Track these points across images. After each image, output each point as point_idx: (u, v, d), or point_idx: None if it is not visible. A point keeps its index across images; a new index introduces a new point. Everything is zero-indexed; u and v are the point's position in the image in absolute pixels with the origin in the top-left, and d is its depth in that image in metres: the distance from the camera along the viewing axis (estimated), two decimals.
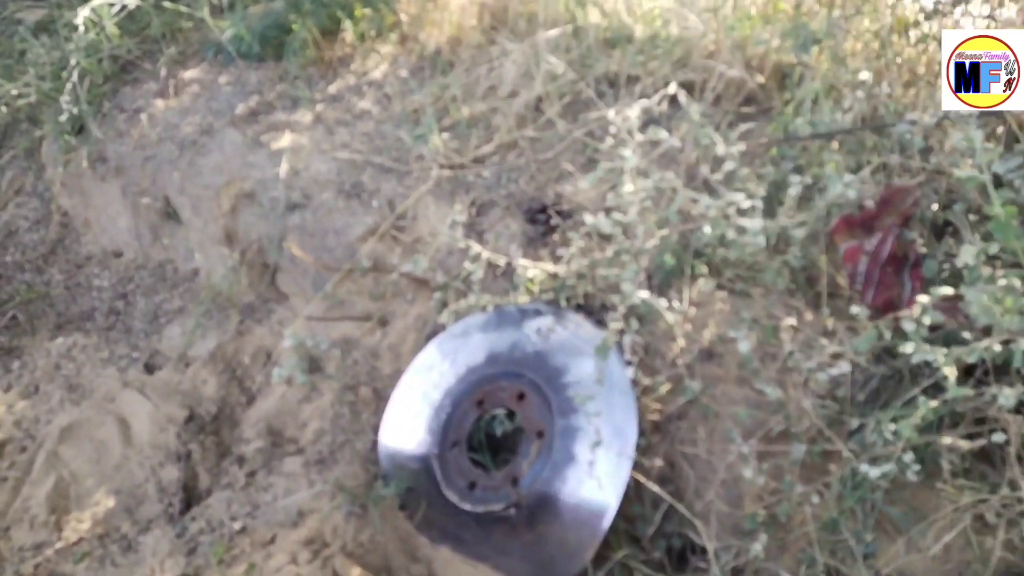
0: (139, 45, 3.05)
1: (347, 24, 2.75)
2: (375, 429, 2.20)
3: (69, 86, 2.73)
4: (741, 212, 1.76)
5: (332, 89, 2.73)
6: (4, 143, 3.21)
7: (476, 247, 2.03)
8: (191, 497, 2.27)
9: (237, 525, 2.09)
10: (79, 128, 2.87)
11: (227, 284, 2.60)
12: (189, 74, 2.93)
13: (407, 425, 2.12)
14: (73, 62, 2.74)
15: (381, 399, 2.25)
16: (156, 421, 2.41)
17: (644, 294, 1.70)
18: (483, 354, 2.08)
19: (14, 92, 2.86)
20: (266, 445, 2.30)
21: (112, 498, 2.26)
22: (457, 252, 2.19)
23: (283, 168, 2.49)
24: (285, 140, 2.59)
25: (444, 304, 2.22)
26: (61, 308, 2.80)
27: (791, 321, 1.83)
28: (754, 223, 1.68)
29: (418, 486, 2.03)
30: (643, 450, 1.81)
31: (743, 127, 2.03)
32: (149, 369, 2.60)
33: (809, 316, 1.91)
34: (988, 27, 1.99)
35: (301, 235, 2.42)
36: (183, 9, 2.99)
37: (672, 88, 1.99)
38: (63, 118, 2.78)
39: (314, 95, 2.72)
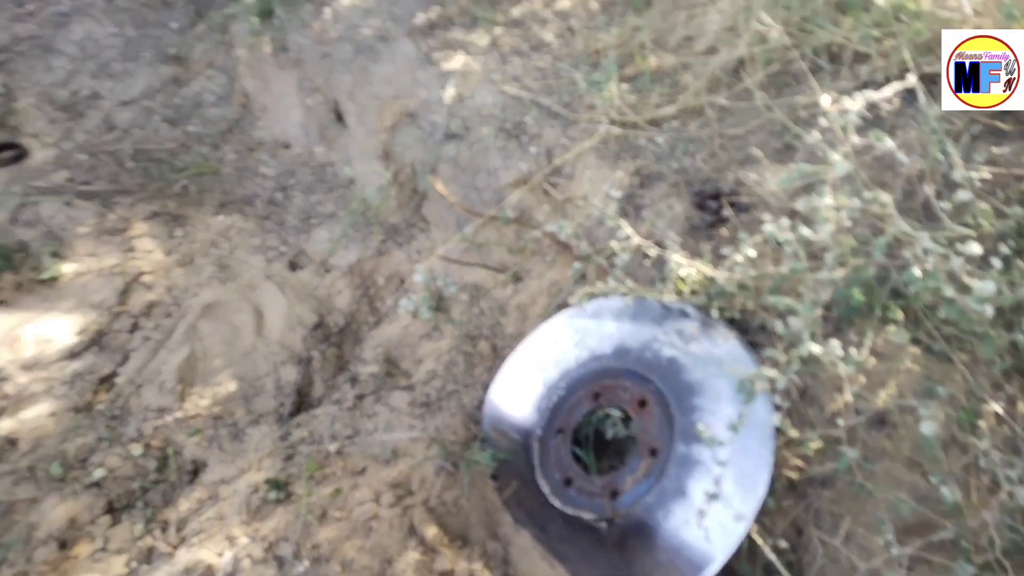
0: None
1: None
2: (485, 387, 2.00)
3: None
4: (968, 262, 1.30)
5: (516, 12, 2.39)
6: (201, 15, 3.16)
7: (628, 229, 1.70)
8: (302, 403, 2.21)
9: (334, 446, 1.99)
10: (268, 12, 2.73)
11: (377, 201, 2.43)
12: None
13: (517, 394, 1.90)
14: None
15: (498, 357, 2.04)
16: (288, 319, 2.35)
17: (815, 347, 1.30)
18: (612, 344, 1.79)
19: None
20: (380, 372, 2.18)
21: (234, 383, 2.24)
22: (607, 223, 1.86)
23: (449, 92, 2.23)
24: (457, 62, 2.31)
25: (583, 276, 1.93)
26: (228, 187, 2.78)
27: (996, 408, 1.37)
28: (984, 285, 1.22)
29: (514, 461, 1.83)
30: (769, 509, 1.47)
31: (993, 149, 1.51)
32: (292, 266, 2.53)
33: (1023, 407, 1.44)
34: None
35: (453, 168, 2.18)
36: None
37: (911, 80, 1.49)
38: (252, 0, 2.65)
39: (496, 16, 2.39)
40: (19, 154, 2.89)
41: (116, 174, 2.83)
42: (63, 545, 1.87)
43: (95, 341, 2.30)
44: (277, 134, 2.86)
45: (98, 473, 2.00)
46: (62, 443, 2.05)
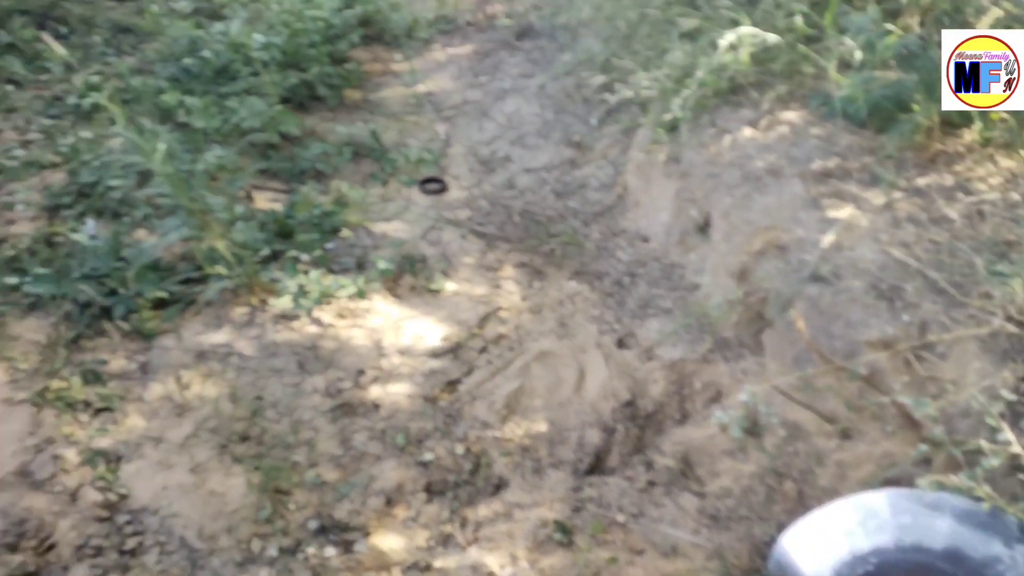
0: (757, 74, 3.07)
1: (976, 125, 2.31)
2: (779, 528, 1.95)
3: (686, 93, 2.91)
4: None
5: (921, 182, 2.37)
6: (613, 116, 3.65)
7: (1009, 434, 1.57)
8: (597, 466, 2.38)
9: (621, 517, 2.11)
10: (674, 127, 3.07)
11: (718, 313, 2.55)
12: (786, 115, 2.86)
13: (816, 550, 1.82)
14: (699, 74, 2.90)
15: (802, 505, 1.99)
16: (604, 389, 2.56)
17: None
18: (944, 543, 1.64)
19: (645, 82, 3.18)
20: (675, 468, 2.26)
21: (546, 425, 2.50)
22: (974, 418, 1.74)
23: (828, 238, 2.28)
24: (844, 212, 2.36)
25: (926, 460, 1.81)
26: (586, 260, 3.14)
27: None
28: None
29: None
30: None
31: None
32: (620, 344, 2.76)
33: None
34: None
35: (810, 308, 2.21)
36: (812, 55, 2.90)
37: None
38: (666, 116, 2.99)
39: (898, 180, 2.40)
40: (442, 188, 3.61)
41: (504, 224, 3.38)
42: (388, 502, 2.25)
43: (453, 350, 2.76)
44: (641, 227, 3.17)
45: (428, 456, 2.38)
46: (408, 421, 2.49)
